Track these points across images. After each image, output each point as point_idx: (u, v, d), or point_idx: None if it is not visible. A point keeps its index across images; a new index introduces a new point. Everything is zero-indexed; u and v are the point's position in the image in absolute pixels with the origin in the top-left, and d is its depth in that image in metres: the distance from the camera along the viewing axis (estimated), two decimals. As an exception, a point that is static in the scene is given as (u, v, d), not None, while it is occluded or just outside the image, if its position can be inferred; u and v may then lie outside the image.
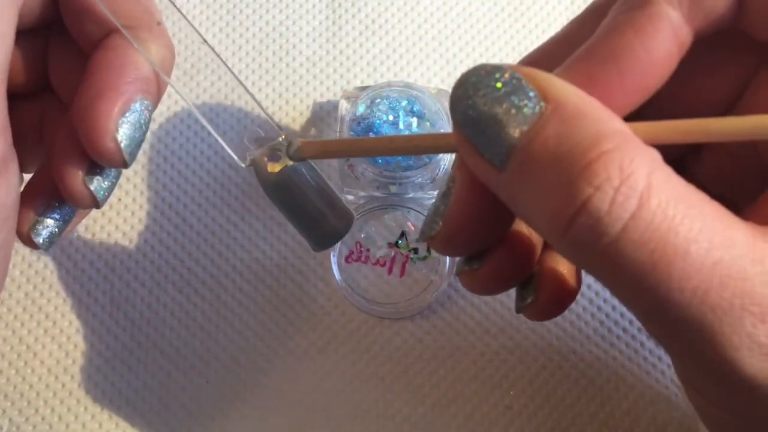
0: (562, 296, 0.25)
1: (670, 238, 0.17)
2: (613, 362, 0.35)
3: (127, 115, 0.25)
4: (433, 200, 0.23)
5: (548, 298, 0.25)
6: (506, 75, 0.19)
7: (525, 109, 0.18)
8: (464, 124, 0.19)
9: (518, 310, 0.25)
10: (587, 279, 0.36)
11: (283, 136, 0.26)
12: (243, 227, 0.37)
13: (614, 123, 0.18)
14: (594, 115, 0.18)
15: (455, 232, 0.22)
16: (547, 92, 0.18)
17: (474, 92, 0.19)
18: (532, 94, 0.18)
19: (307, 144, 0.24)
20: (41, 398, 0.34)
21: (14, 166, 0.25)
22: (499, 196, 0.20)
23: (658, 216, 0.17)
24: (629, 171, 0.17)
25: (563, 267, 0.25)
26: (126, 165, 0.25)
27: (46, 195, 0.27)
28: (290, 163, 0.26)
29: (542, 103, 0.18)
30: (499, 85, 0.19)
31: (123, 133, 0.24)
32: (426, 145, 0.23)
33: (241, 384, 0.34)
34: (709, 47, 0.22)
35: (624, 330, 0.35)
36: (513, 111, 0.18)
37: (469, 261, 0.24)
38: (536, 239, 0.25)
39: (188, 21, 0.26)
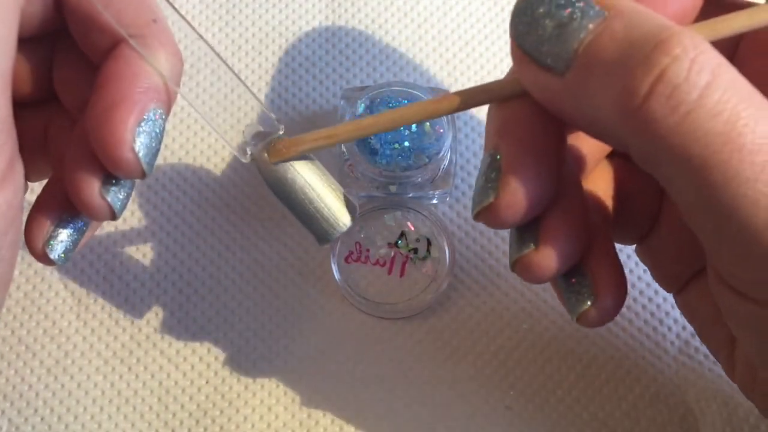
0: (622, 289, 0.25)
1: (741, 109, 0.18)
2: (611, 362, 0.35)
3: (143, 124, 0.24)
4: (476, 179, 0.23)
5: (610, 293, 0.24)
6: None
7: (590, 12, 0.20)
8: (525, 36, 0.20)
9: (577, 317, 0.25)
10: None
11: (282, 130, 0.26)
12: (242, 227, 0.37)
13: (674, 24, 0.19)
14: (656, 16, 0.20)
15: (511, 195, 0.22)
16: (607, 4, 0.20)
17: (538, 4, 0.20)
18: (594, 7, 0.20)
19: (281, 144, 0.25)
20: (40, 398, 0.34)
21: (20, 169, 0.25)
22: (560, 108, 0.21)
23: (730, 89, 0.18)
24: (701, 48, 0.18)
25: (614, 256, 0.25)
26: (144, 175, 0.25)
27: (57, 210, 0.27)
28: (291, 156, 0.26)
29: (604, 12, 0.20)
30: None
31: (140, 143, 0.24)
32: (413, 114, 0.24)
33: (241, 385, 0.34)
34: None
35: (623, 329, 0.35)
36: (577, 14, 0.20)
37: (520, 242, 0.23)
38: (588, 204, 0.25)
39: (182, 16, 0.26)
